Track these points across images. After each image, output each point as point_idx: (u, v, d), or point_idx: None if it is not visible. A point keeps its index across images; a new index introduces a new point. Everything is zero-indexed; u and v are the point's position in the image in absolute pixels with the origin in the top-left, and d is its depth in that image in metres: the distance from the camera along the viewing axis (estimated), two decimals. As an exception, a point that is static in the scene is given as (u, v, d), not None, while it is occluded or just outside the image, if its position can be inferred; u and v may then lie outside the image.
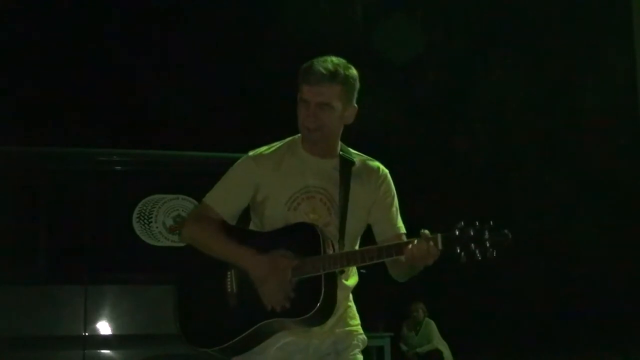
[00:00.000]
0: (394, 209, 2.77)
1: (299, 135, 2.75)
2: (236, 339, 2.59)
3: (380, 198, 2.75)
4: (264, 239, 2.65)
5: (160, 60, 13.86)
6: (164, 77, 13.35)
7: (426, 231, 2.49)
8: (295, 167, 2.71)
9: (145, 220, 4.43)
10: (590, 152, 14.88)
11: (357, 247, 2.72)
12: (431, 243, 2.45)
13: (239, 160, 2.76)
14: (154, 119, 13.15)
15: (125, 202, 4.48)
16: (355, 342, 2.73)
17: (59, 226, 4.49)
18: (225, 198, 2.71)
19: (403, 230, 2.77)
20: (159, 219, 4.44)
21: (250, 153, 2.75)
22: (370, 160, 2.81)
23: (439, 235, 2.46)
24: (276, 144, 2.77)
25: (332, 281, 2.57)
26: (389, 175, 2.79)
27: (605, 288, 14.14)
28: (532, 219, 15.16)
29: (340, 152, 2.75)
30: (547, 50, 15.29)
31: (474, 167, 15.02)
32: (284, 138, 2.84)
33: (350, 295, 2.78)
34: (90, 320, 4.24)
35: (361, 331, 2.77)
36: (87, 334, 4.24)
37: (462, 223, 2.44)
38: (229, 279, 2.63)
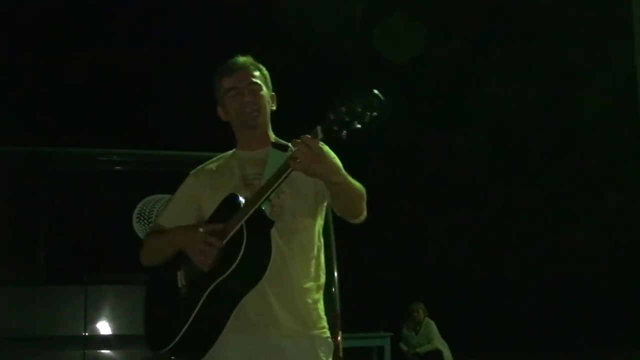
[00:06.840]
0: None
1: (233, 150, 2.82)
2: (184, 329, 2.51)
3: None
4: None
5: (160, 60, 13.86)
6: (164, 77, 13.35)
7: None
8: (230, 166, 2.77)
9: (145, 220, 4.43)
10: (590, 151, 14.88)
11: (311, 220, 2.68)
12: (309, 136, 2.37)
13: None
14: (154, 119, 13.14)
15: (125, 202, 4.48)
16: (323, 349, 2.62)
17: (59, 226, 4.49)
18: (174, 215, 2.80)
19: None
20: (159, 219, 4.44)
21: (192, 171, 2.85)
22: None
23: (318, 127, 2.36)
24: (215, 157, 2.87)
25: (259, 233, 2.49)
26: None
27: (606, 288, 14.14)
28: (532, 219, 15.17)
29: (273, 140, 2.75)
30: (547, 50, 15.29)
31: (474, 167, 15.01)
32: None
33: (315, 295, 2.67)
34: (90, 320, 4.24)
35: (328, 334, 2.65)
36: (87, 334, 4.24)
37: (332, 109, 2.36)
38: (179, 276, 2.64)
